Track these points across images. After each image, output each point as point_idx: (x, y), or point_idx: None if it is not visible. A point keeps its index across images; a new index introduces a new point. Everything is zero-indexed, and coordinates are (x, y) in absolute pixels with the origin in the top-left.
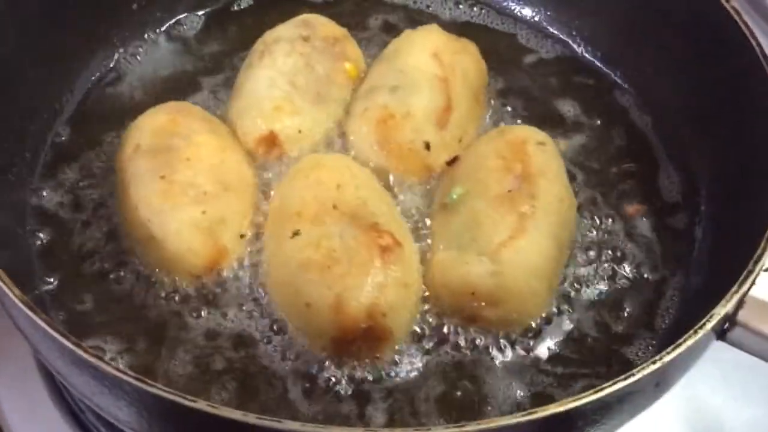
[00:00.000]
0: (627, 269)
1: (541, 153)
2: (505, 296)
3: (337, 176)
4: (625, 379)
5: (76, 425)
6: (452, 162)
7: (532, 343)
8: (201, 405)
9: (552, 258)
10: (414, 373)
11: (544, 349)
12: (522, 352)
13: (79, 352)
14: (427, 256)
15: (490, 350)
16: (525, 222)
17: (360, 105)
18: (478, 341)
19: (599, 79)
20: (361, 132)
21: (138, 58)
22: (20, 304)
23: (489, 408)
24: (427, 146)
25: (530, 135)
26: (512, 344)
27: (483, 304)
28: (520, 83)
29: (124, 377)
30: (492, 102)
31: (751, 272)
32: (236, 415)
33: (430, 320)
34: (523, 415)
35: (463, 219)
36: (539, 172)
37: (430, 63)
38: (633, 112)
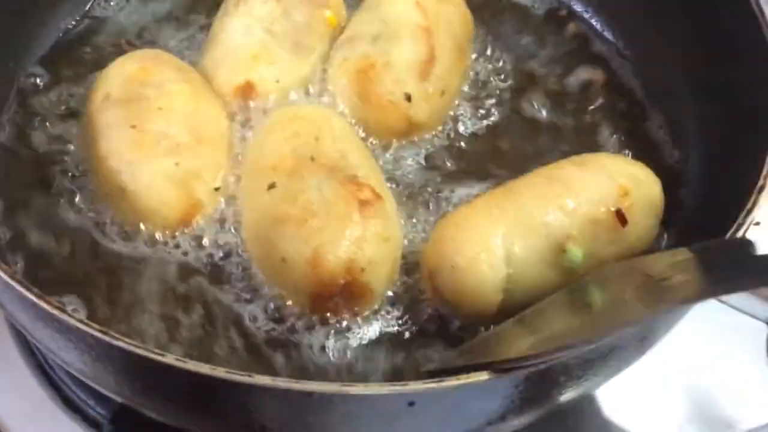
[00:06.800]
0: None
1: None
2: None
3: (315, 128)
4: None
5: (48, 384)
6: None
7: None
8: (169, 359)
9: None
10: (391, 329)
11: None
12: None
13: (42, 304)
14: None
15: None
16: None
17: (339, 55)
18: None
19: (588, 30)
20: (341, 82)
21: (111, 3)
22: None
23: None
24: (408, 98)
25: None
26: None
27: None
28: (506, 35)
29: (88, 330)
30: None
31: (741, 225)
32: (205, 369)
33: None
34: (505, 369)
35: None
36: None
37: (413, 12)
38: (614, 62)
